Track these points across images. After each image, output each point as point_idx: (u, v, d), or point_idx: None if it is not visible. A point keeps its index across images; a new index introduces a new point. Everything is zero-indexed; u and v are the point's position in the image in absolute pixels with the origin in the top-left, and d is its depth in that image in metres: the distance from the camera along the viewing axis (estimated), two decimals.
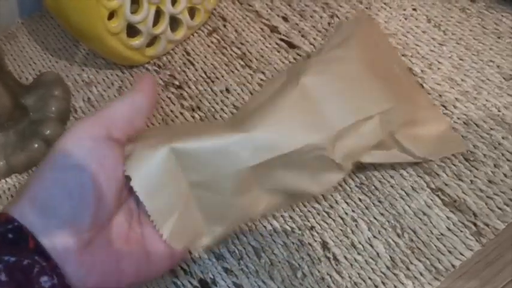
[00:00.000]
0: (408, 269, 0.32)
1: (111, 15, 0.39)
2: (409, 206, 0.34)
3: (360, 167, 0.36)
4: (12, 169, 0.41)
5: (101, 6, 0.38)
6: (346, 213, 0.35)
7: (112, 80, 0.46)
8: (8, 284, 0.22)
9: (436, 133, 0.35)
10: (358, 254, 0.33)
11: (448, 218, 0.33)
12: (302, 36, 0.45)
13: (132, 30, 0.42)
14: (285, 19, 0.47)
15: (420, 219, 0.34)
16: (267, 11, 0.48)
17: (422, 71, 0.40)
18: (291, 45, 0.44)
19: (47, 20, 0.53)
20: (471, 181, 0.35)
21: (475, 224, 0.33)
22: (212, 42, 0.47)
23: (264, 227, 0.35)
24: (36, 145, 0.41)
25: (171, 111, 0.42)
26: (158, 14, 0.42)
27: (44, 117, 0.42)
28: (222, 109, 0.42)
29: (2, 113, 0.39)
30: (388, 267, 0.32)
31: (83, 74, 0.47)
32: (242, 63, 0.44)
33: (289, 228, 0.35)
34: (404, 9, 0.44)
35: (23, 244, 0.23)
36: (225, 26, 0.48)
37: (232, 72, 0.44)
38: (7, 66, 0.49)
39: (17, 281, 0.22)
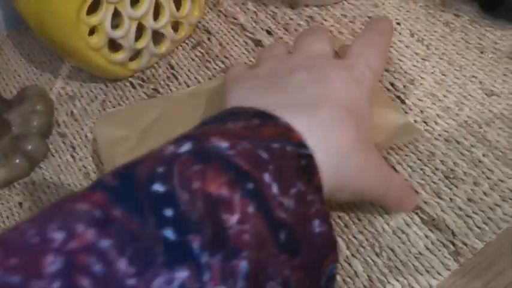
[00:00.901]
0: None
1: (92, 31, 0.39)
2: (388, 224, 0.34)
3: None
4: None
5: (81, 22, 0.38)
6: None
7: (96, 94, 0.46)
8: (292, 214, 0.20)
9: (389, 120, 0.35)
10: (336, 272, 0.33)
11: (426, 236, 0.33)
12: None
13: (115, 44, 0.42)
14: (269, 32, 0.47)
15: (399, 237, 0.33)
16: (252, 24, 0.48)
17: (404, 86, 0.40)
18: None
19: (32, 33, 0.53)
20: (450, 199, 0.34)
21: (453, 243, 0.33)
22: (196, 55, 0.47)
23: None
24: (17, 161, 0.40)
25: None
26: (140, 28, 0.42)
27: (26, 133, 0.42)
28: None
29: None
30: (365, 287, 0.32)
31: (67, 87, 0.47)
32: None
33: None
34: None
35: (310, 177, 0.22)
36: (209, 39, 0.48)
37: None
38: None
39: (298, 214, 0.20)
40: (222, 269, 0.18)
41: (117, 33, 0.40)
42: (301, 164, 0.21)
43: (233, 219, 0.19)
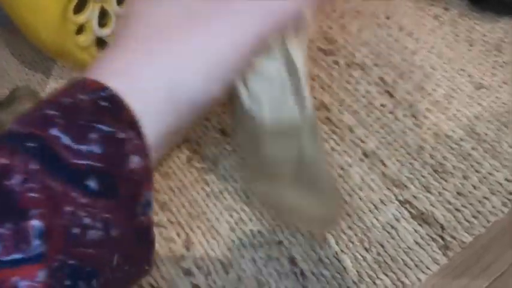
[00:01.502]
0: (375, 283, 0.32)
1: (80, 30, 0.39)
2: (377, 219, 0.34)
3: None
4: None
5: (69, 21, 0.38)
6: None
7: None
8: (100, 157, 0.19)
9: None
10: (326, 268, 0.33)
11: (415, 231, 0.33)
12: None
13: (103, 42, 0.42)
14: None
15: (388, 232, 0.33)
16: None
17: (393, 80, 0.40)
18: None
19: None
20: (439, 193, 0.34)
21: (442, 238, 0.33)
22: None
23: (232, 241, 0.35)
24: None
25: None
26: None
27: None
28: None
29: None
30: (354, 282, 0.32)
31: (59, 87, 0.47)
32: None
33: (257, 243, 0.35)
34: (377, 18, 0.44)
35: (117, 114, 0.20)
36: None
37: None
38: None
39: (108, 156, 0.19)
40: (13, 236, 0.17)
41: (105, 32, 0.40)
42: (101, 105, 0.20)
43: (15, 181, 0.18)
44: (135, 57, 0.22)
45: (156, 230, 0.37)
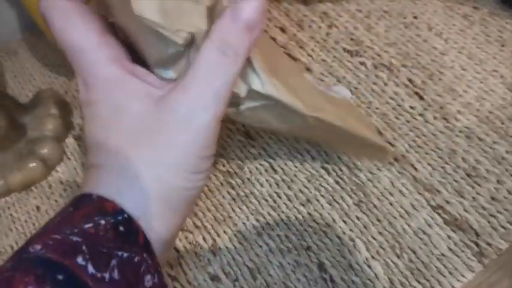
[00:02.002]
0: None
1: None
2: (408, 225, 0.33)
3: (358, 184, 0.35)
4: (10, 188, 0.41)
5: None
6: (344, 233, 0.34)
7: None
8: (119, 283, 0.21)
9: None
10: (356, 275, 0.32)
11: (449, 237, 0.32)
12: (300, 47, 0.44)
13: None
14: (283, 30, 0.46)
15: (420, 238, 0.33)
16: (265, 21, 0.47)
17: (423, 81, 0.39)
18: (289, 57, 0.44)
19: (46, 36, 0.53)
20: (473, 198, 0.33)
21: (477, 244, 0.32)
22: None
23: (260, 246, 0.35)
24: (33, 164, 0.40)
25: None
26: None
27: (41, 136, 0.42)
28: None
29: None
30: None
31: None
32: None
33: (285, 248, 0.34)
34: (405, 17, 0.43)
35: (134, 239, 0.22)
36: None
37: None
38: (4, 86, 0.49)
39: (127, 279, 0.21)
40: None
41: None
42: (119, 231, 0.21)
43: None
44: (121, 174, 0.23)
45: (181, 235, 0.36)
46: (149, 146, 0.23)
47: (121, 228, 0.21)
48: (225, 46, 0.22)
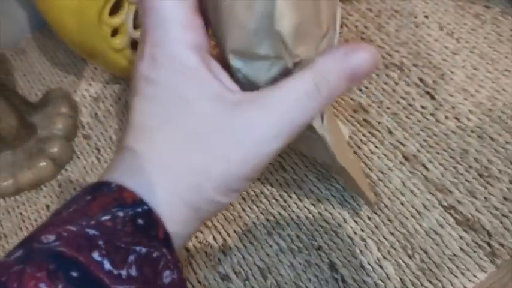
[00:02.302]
0: None
1: (114, 32, 0.39)
2: (420, 225, 0.33)
3: (370, 184, 0.35)
4: (20, 187, 0.41)
5: (104, 24, 0.38)
6: (355, 233, 0.34)
7: (119, 95, 0.46)
8: (137, 280, 0.20)
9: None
10: (367, 275, 0.32)
11: (461, 237, 0.32)
12: None
13: (138, 44, 0.42)
14: None
15: (432, 238, 0.32)
16: None
17: (434, 81, 0.39)
18: None
19: (55, 35, 0.53)
20: (485, 198, 0.33)
21: (489, 244, 0.31)
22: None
23: (270, 246, 0.34)
24: (42, 163, 0.41)
25: None
26: None
27: (51, 135, 0.42)
28: None
29: (8, 133, 0.40)
30: None
31: (91, 89, 0.47)
32: None
33: (295, 248, 0.34)
34: (416, 17, 0.43)
35: (153, 233, 0.20)
36: None
37: None
38: (14, 85, 0.49)
39: (145, 275, 0.20)
40: None
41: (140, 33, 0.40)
42: (138, 224, 0.20)
43: None
44: (158, 169, 0.21)
45: None
46: (201, 152, 0.21)
47: (140, 221, 0.20)
48: (323, 83, 0.21)
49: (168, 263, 0.21)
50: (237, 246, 0.35)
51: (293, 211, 0.36)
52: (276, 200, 0.36)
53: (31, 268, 0.18)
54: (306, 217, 0.35)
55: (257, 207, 0.36)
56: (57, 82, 0.49)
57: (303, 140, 0.26)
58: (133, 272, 0.20)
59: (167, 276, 0.20)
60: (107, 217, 0.20)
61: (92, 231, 0.20)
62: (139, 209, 0.20)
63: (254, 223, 0.36)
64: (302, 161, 0.37)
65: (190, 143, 0.21)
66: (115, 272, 0.19)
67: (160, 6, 0.21)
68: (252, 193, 0.37)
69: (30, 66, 0.51)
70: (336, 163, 0.28)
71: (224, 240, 0.36)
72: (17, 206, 0.42)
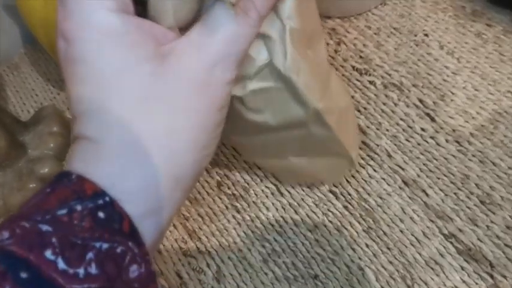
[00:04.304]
0: None
1: None
2: (420, 254, 0.32)
3: (368, 209, 0.34)
4: (9, 209, 0.40)
5: None
6: (352, 261, 0.33)
7: None
8: (97, 278, 0.18)
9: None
10: None
11: (462, 268, 0.31)
12: None
13: None
14: None
15: (432, 268, 0.31)
16: None
17: (434, 102, 0.38)
18: None
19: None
20: (487, 227, 0.32)
21: (491, 276, 0.30)
22: None
23: (266, 274, 0.33)
24: (32, 185, 0.39)
25: None
26: None
27: (42, 155, 0.41)
28: None
29: None
30: None
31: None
32: None
33: (291, 276, 0.33)
34: (415, 35, 0.42)
35: (116, 226, 0.19)
36: None
37: None
38: (6, 101, 0.48)
39: (107, 273, 0.18)
40: None
41: None
42: (98, 217, 0.19)
43: None
44: (117, 156, 0.20)
45: (185, 260, 0.35)
46: (159, 114, 0.20)
47: (100, 214, 0.19)
48: (249, 5, 0.20)
49: (135, 257, 0.19)
50: (231, 274, 0.34)
51: (289, 237, 0.35)
52: (272, 225, 0.35)
53: None
54: (303, 243, 0.34)
55: (252, 232, 0.35)
56: (50, 99, 0.48)
57: (271, 103, 0.26)
58: (93, 269, 0.18)
59: (134, 271, 0.19)
60: (63, 211, 0.19)
61: (45, 227, 0.18)
62: (101, 201, 0.19)
63: (249, 249, 0.35)
64: (299, 184, 0.36)
65: (145, 111, 0.20)
66: (70, 271, 0.18)
67: None
68: (248, 218, 0.36)
69: (22, 81, 0.50)
70: (308, 109, 0.26)
71: (218, 267, 0.35)
72: None
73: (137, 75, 0.19)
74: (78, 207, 0.19)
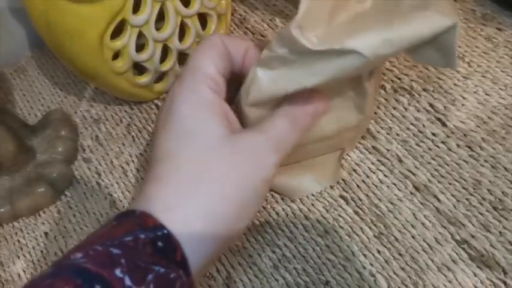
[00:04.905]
0: None
1: (116, 55, 0.38)
2: (432, 260, 0.32)
3: (379, 215, 0.34)
4: (17, 214, 0.40)
5: (105, 47, 0.37)
6: (364, 267, 0.32)
7: (121, 117, 0.45)
8: None
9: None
10: None
11: (475, 274, 0.31)
12: None
13: (140, 66, 0.41)
14: None
15: (444, 275, 0.31)
16: None
17: (445, 107, 0.37)
18: None
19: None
20: (500, 233, 0.32)
21: (504, 283, 0.30)
22: None
23: (276, 280, 0.33)
24: (41, 189, 0.39)
25: None
26: (166, 50, 0.41)
27: (50, 159, 0.41)
28: None
29: (6, 158, 0.39)
30: None
31: (92, 110, 0.46)
32: None
33: (302, 282, 0.33)
34: None
35: (171, 255, 0.23)
36: None
37: None
38: (13, 105, 0.48)
39: None
40: None
41: (142, 57, 0.39)
42: (157, 246, 0.22)
43: None
44: (178, 194, 0.24)
45: None
46: (208, 180, 0.25)
47: (159, 243, 0.22)
48: (295, 121, 0.27)
49: (183, 285, 0.22)
50: (241, 280, 0.34)
51: (300, 243, 0.34)
52: (282, 230, 0.35)
53: (59, 282, 0.20)
54: (313, 249, 0.34)
55: (262, 238, 0.35)
56: (57, 102, 0.48)
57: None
58: None
59: None
60: (129, 238, 0.22)
61: (115, 250, 0.22)
62: (159, 233, 0.23)
63: (259, 255, 0.35)
64: None
65: (197, 173, 0.25)
66: None
67: (197, 58, 0.27)
68: (257, 223, 0.36)
69: (29, 85, 0.50)
70: (362, 114, 0.32)
71: (228, 272, 0.34)
72: (14, 233, 0.40)
73: (211, 133, 0.25)
74: (142, 236, 0.22)
